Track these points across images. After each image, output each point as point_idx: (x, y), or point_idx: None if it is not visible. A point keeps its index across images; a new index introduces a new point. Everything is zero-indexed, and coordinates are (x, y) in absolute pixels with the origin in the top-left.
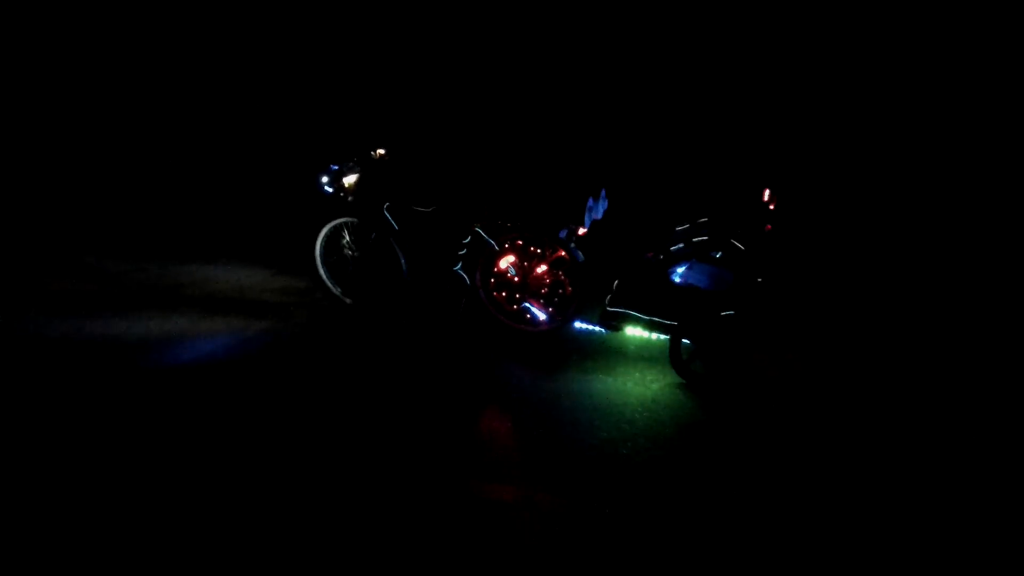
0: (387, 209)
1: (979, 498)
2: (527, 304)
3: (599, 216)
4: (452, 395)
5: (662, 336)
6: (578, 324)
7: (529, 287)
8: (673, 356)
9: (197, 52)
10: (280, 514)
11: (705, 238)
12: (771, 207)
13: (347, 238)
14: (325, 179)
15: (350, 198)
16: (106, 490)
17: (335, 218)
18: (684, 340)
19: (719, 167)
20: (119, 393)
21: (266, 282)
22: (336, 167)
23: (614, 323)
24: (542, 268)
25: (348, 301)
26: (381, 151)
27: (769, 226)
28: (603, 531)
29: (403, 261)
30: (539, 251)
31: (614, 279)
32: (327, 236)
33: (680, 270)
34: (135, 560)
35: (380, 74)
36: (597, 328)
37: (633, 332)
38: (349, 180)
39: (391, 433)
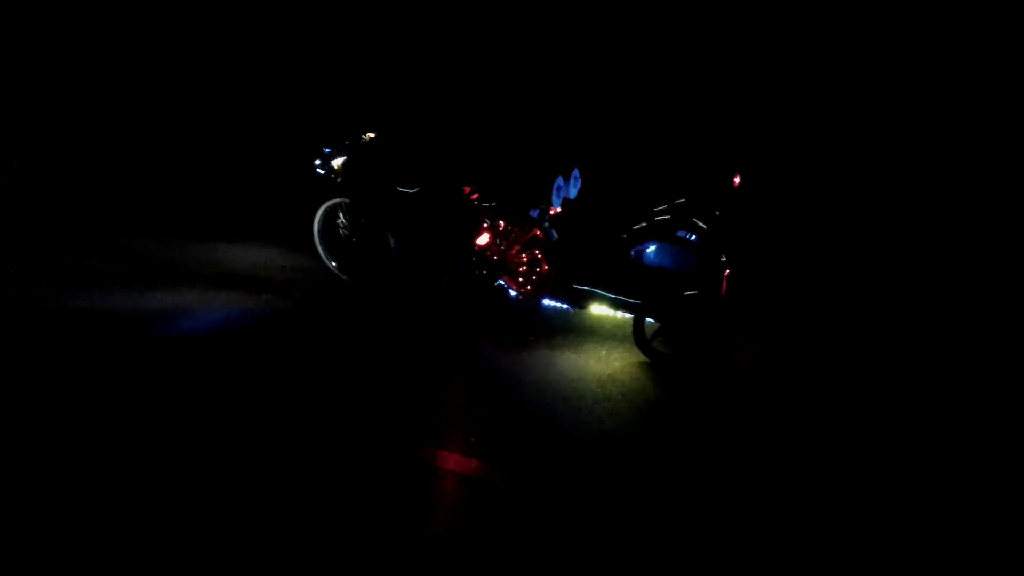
0: (375, 191)
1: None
2: (502, 282)
3: (572, 196)
4: (419, 366)
5: (628, 315)
6: (547, 301)
7: (507, 265)
8: (637, 335)
9: (210, 52)
10: (227, 468)
11: (667, 217)
12: (735, 187)
13: (341, 218)
14: (318, 161)
15: (339, 180)
16: (98, 431)
17: (331, 199)
18: (648, 319)
19: (694, 148)
20: (123, 357)
21: (275, 260)
22: (328, 150)
23: (580, 301)
24: (519, 247)
25: (345, 278)
26: (371, 135)
27: (738, 178)
28: (524, 499)
29: (392, 240)
30: (515, 231)
31: (584, 257)
32: (324, 216)
33: (643, 249)
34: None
35: (372, 65)
36: (565, 306)
37: (600, 310)
38: (337, 162)
39: (354, 400)
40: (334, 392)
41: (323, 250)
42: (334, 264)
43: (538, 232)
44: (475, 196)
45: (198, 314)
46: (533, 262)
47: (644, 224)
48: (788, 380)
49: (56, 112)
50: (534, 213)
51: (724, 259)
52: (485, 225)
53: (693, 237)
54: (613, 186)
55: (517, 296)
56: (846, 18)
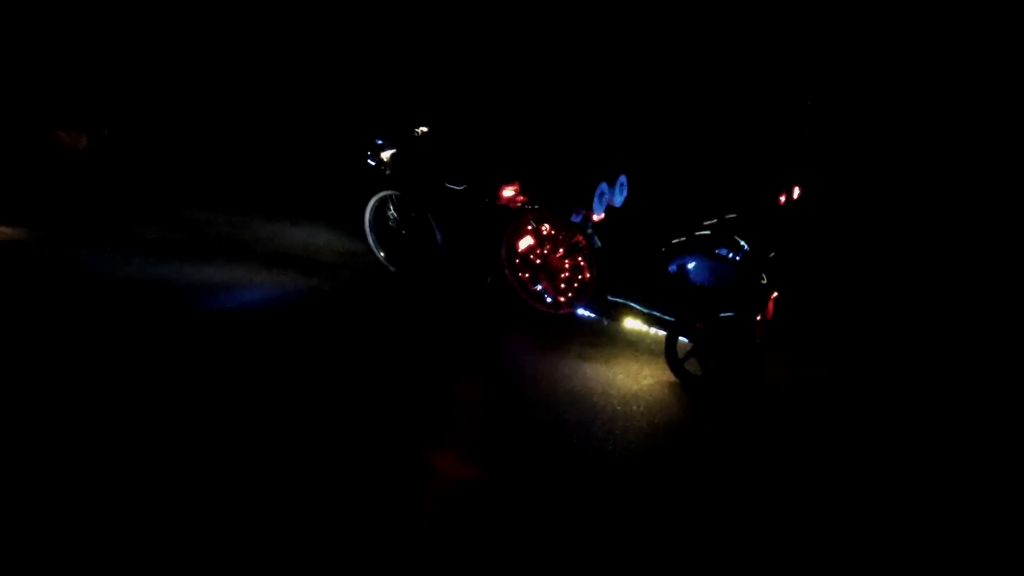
0: (424, 185)
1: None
2: (541, 285)
3: (618, 204)
4: (444, 362)
5: (662, 332)
6: (580, 311)
7: (548, 269)
8: (669, 353)
9: (295, 44)
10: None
11: (707, 232)
12: (781, 205)
13: (392, 210)
14: (370, 152)
15: (387, 172)
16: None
17: (383, 190)
18: (681, 337)
19: (747, 162)
20: (157, 328)
21: (332, 244)
22: (380, 141)
23: (614, 312)
24: (561, 251)
25: (392, 269)
26: (423, 128)
27: (783, 196)
28: (511, 508)
29: (438, 235)
30: (558, 235)
31: (623, 268)
32: (375, 206)
33: (681, 264)
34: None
35: (432, 62)
36: (597, 316)
37: (633, 324)
38: (385, 155)
39: (368, 392)
40: (350, 382)
41: (373, 240)
42: (383, 254)
43: (581, 238)
44: (520, 197)
45: (240, 290)
46: (575, 268)
47: (684, 238)
48: (830, 412)
49: (149, 88)
50: (576, 218)
51: (767, 281)
52: (529, 227)
53: (734, 255)
54: (660, 196)
55: (556, 301)
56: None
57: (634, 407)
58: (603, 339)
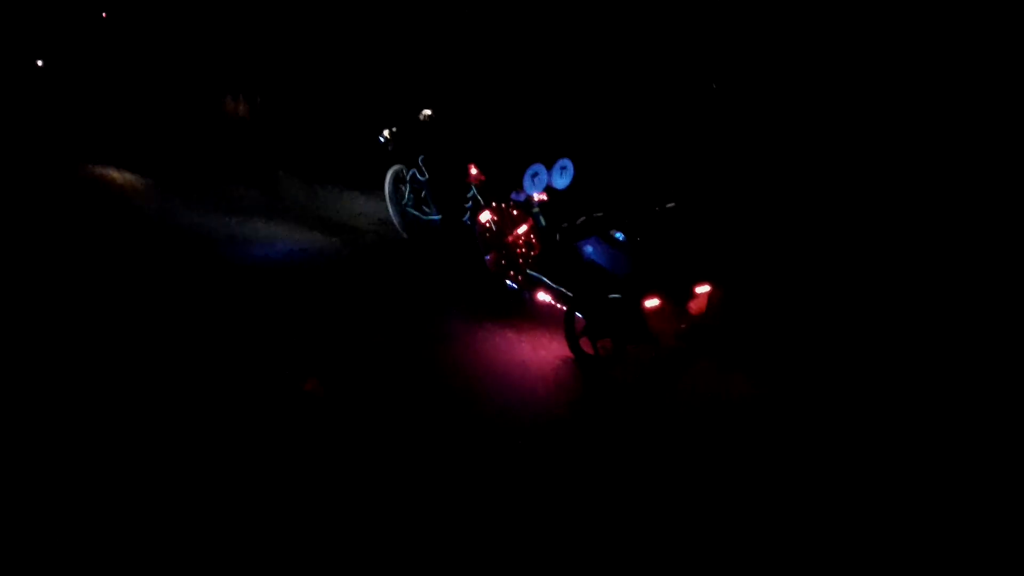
0: (421, 161)
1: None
2: (489, 257)
3: (559, 186)
4: (379, 317)
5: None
6: (508, 283)
7: (508, 245)
8: (567, 329)
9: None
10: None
11: (601, 214)
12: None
13: (403, 182)
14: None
15: (389, 148)
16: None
17: (394, 164)
18: (578, 314)
19: (688, 154)
20: (189, 268)
21: (374, 213)
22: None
23: (529, 287)
24: (514, 229)
25: (405, 236)
26: (427, 112)
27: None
28: (351, 428)
29: (433, 207)
30: (508, 213)
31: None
32: (393, 178)
33: (583, 244)
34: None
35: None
36: (518, 289)
37: (544, 298)
38: (386, 133)
39: (304, 334)
40: (304, 322)
41: (392, 209)
42: (398, 222)
43: (529, 217)
44: (482, 176)
45: (271, 244)
46: (528, 246)
47: (584, 218)
48: (726, 420)
49: (287, 67)
50: (517, 197)
51: (686, 274)
52: (493, 205)
53: (624, 239)
54: (601, 182)
55: (503, 275)
56: None
57: (519, 373)
58: (537, 312)
